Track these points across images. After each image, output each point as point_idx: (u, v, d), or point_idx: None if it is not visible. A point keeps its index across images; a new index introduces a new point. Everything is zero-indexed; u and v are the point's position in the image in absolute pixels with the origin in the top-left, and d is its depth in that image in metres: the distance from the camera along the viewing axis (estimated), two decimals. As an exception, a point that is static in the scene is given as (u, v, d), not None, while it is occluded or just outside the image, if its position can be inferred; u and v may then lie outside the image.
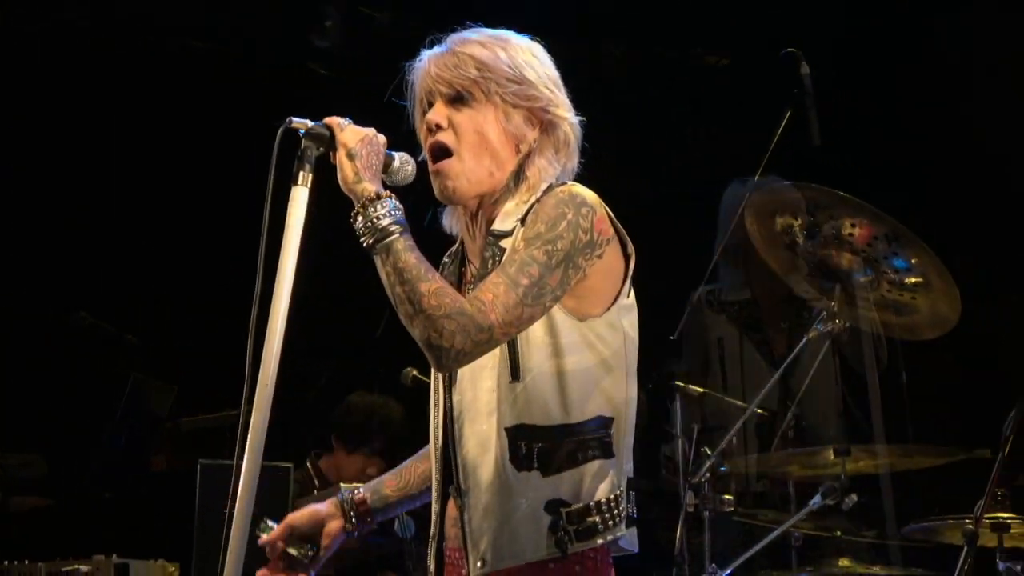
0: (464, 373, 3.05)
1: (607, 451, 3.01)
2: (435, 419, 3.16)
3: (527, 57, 3.12)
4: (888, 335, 4.52)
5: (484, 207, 3.12)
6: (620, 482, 3.03)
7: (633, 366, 3.09)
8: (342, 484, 5.14)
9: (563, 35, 3.37)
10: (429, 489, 3.26)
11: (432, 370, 3.15)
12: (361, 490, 3.36)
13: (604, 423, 3.02)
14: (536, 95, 3.09)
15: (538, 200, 3.02)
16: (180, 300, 7.12)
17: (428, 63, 3.13)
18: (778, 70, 4.99)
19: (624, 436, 3.06)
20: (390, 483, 3.39)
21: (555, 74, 3.17)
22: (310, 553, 3.23)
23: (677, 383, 5.17)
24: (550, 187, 3.05)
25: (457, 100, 3.08)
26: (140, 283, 7.05)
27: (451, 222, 3.24)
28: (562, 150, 3.13)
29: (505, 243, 3.02)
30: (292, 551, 3.22)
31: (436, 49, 3.15)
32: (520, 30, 3.16)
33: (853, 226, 4.22)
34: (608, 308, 3.04)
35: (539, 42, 3.19)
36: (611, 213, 3.05)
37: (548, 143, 3.12)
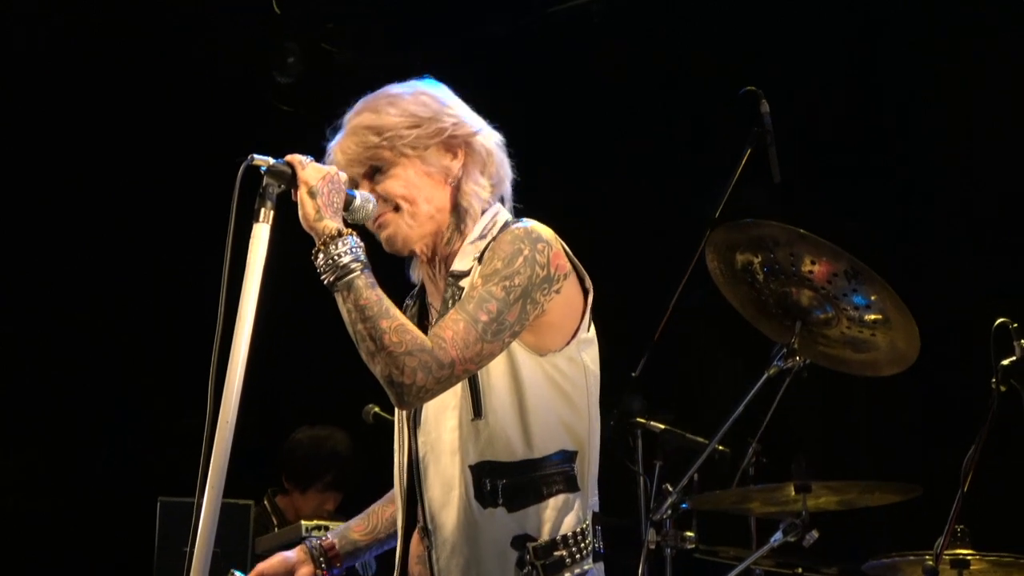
0: (428, 414, 3.08)
1: (572, 485, 3.04)
2: (400, 459, 3.18)
3: (418, 97, 3.17)
4: (847, 372, 4.55)
5: (439, 249, 3.17)
6: (586, 516, 3.06)
7: (595, 399, 3.12)
8: (303, 522, 5.14)
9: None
10: (393, 533, 3.28)
11: (395, 411, 3.17)
12: (329, 535, 3.39)
13: (568, 457, 3.05)
14: (439, 127, 3.13)
15: (494, 238, 3.06)
16: (142, 338, 7.10)
17: (335, 153, 3.18)
18: (738, 108, 5.03)
19: (588, 469, 3.08)
20: (358, 527, 3.42)
21: (451, 96, 3.22)
22: None
23: (638, 420, 5.19)
24: (506, 224, 3.10)
25: (374, 172, 3.13)
26: (101, 321, 7.02)
27: (415, 274, 3.28)
28: (488, 164, 3.18)
29: (464, 282, 3.06)
30: None
31: (337, 136, 3.21)
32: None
33: (813, 263, 4.24)
34: (568, 343, 3.07)
35: (426, 77, 3.24)
36: (568, 249, 3.09)
37: (472, 164, 3.16)
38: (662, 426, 5.22)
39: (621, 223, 6.68)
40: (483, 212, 3.15)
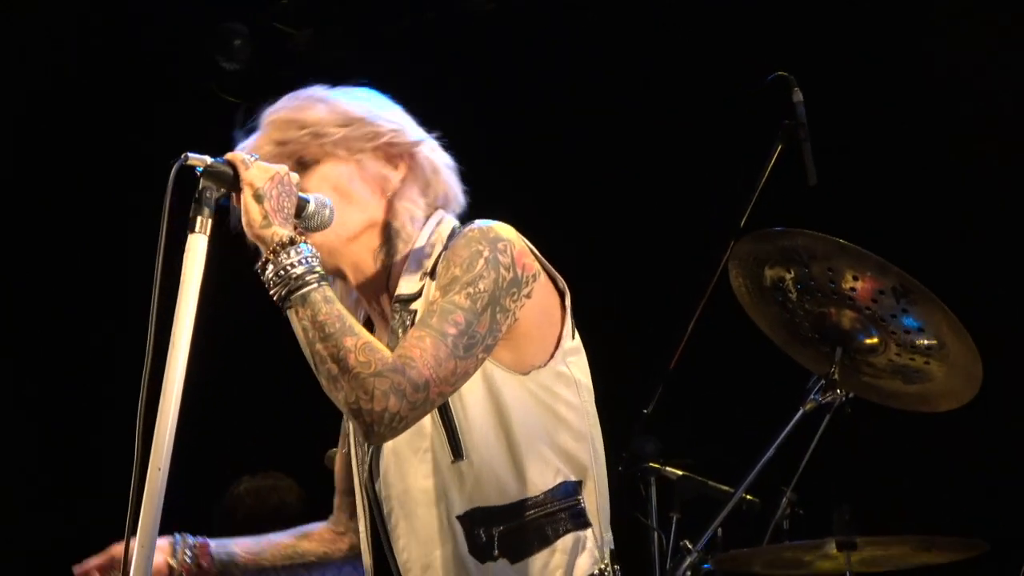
0: (389, 462, 3.07)
1: (581, 521, 3.04)
2: (363, 517, 3.16)
3: (351, 98, 3.20)
4: (897, 407, 4.55)
5: (374, 276, 3.17)
6: (603, 554, 3.05)
7: (593, 416, 3.12)
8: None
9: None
10: (285, 567, 3.29)
11: (354, 460, 3.16)
12: (208, 539, 3.38)
13: (572, 489, 3.05)
14: (375, 131, 3.16)
15: (446, 247, 3.06)
16: (62, 367, 7.11)
17: (254, 147, 3.18)
18: (767, 97, 5.05)
19: (598, 499, 3.08)
20: (243, 544, 3.43)
21: (390, 103, 3.25)
22: None
23: (651, 464, 5.20)
24: (453, 231, 3.11)
25: (300, 169, 3.12)
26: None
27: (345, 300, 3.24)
28: (433, 182, 3.20)
29: (415, 305, 3.06)
30: None
31: (249, 138, 3.22)
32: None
33: (855, 279, 4.25)
34: (552, 355, 3.07)
35: (364, 85, 3.27)
36: (533, 247, 3.08)
37: (412, 180, 3.18)
38: (679, 472, 5.22)
39: (629, 234, 6.69)
40: (419, 229, 3.16)
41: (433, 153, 3.22)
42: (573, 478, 3.05)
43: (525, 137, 6.50)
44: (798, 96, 4.99)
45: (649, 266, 6.54)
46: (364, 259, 3.16)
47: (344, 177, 3.13)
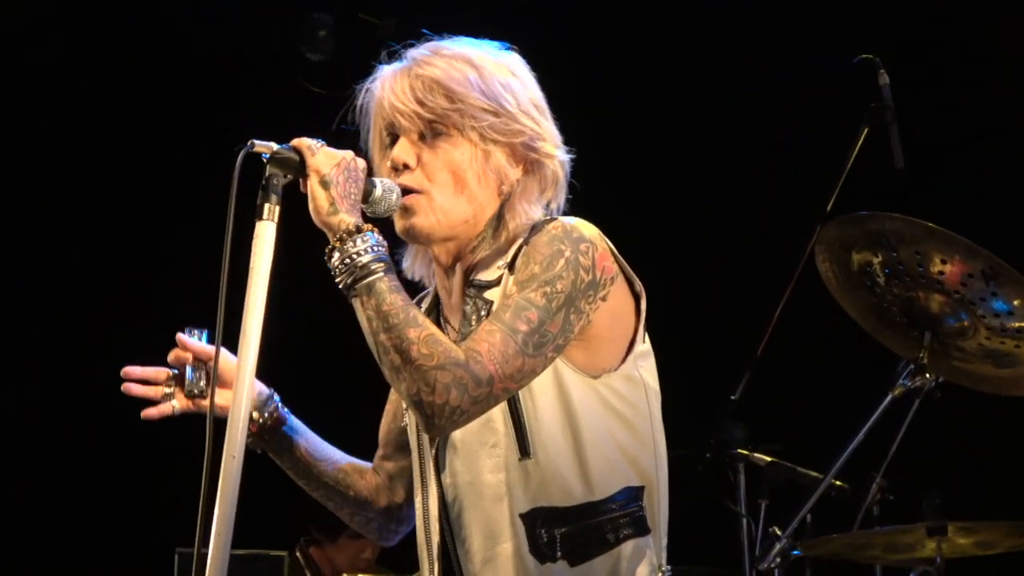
0: (456, 453, 3.04)
1: (642, 527, 3.02)
2: (423, 507, 3.15)
3: (504, 78, 3.09)
4: (988, 391, 4.52)
5: (462, 257, 3.11)
6: (660, 560, 3.04)
7: (659, 423, 3.08)
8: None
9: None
10: (327, 486, 3.30)
11: (412, 445, 3.16)
12: (289, 415, 3.34)
13: (634, 494, 3.02)
14: (518, 128, 3.07)
15: (527, 241, 3.01)
16: (126, 357, 7.17)
17: (386, 89, 3.09)
18: (852, 80, 5.02)
19: (659, 506, 3.05)
20: (309, 441, 3.36)
21: (539, 96, 3.15)
22: (202, 387, 3.25)
23: (740, 451, 5.19)
24: (535, 224, 3.05)
25: (426, 135, 3.06)
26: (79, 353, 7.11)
27: (413, 265, 3.22)
28: (548, 189, 3.12)
29: (490, 294, 3.02)
30: (193, 373, 3.24)
31: (393, 67, 3.12)
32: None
33: (943, 262, 4.23)
34: (623, 359, 3.04)
35: (517, 52, 3.17)
36: (614, 248, 3.04)
37: (533, 183, 3.10)
38: (768, 458, 5.21)
39: (713, 220, 6.67)
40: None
41: (559, 166, 3.13)
42: (636, 484, 3.01)
43: (605, 123, 6.49)
44: (884, 79, 4.95)
45: (736, 252, 6.53)
46: (454, 246, 3.11)
47: (466, 163, 3.05)
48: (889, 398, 4.37)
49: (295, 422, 3.36)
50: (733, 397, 5.05)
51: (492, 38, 3.20)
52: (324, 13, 7.04)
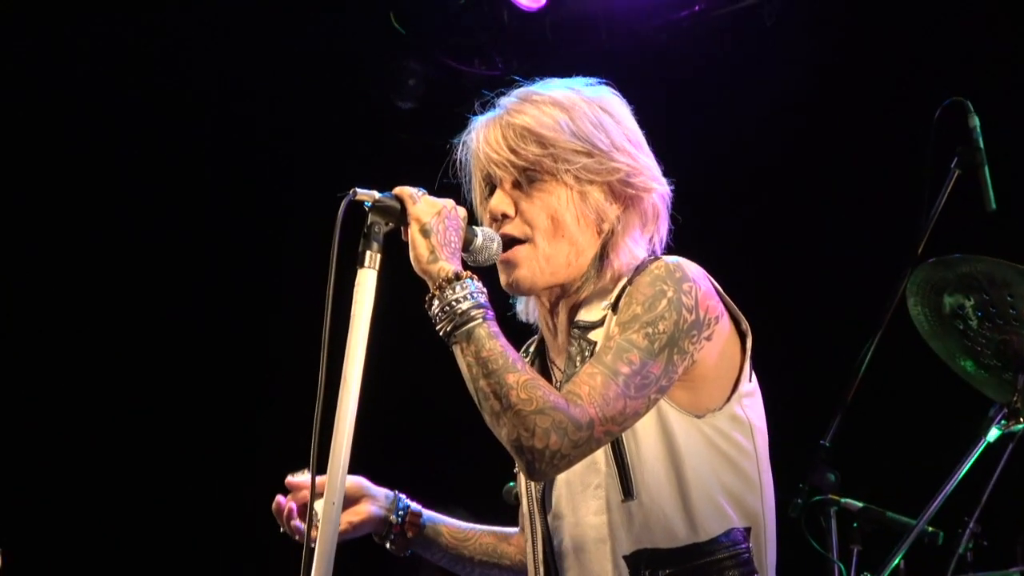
0: (562, 495, 3.05)
1: (748, 569, 2.99)
2: (532, 548, 3.15)
3: (596, 117, 3.10)
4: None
5: (566, 297, 3.12)
6: None
7: (766, 462, 3.07)
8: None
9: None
10: (481, 562, 3.28)
11: (522, 490, 3.16)
12: (421, 509, 3.38)
13: (741, 536, 3.00)
14: (613, 166, 3.08)
15: (630, 281, 3.01)
16: (236, 406, 7.23)
17: (481, 140, 3.12)
18: (942, 122, 4.99)
19: (767, 548, 3.03)
20: (452, 525, 3.40)
21: (633, 129, 3.15)
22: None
23: (831, 496, 5.15)
24: (640, 264, 3.05)
25: (522, 183, 3.08)
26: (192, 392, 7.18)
27: (527, 309, 3.24)
28: (650, 224, 3.12)
29: (594, 335, 3.02)
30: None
31: (486, 118, 3.14)
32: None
33: (1037, 305, 4.20)
34: (728, 399, 3.03)
35: (611, 86, 3.18)
36: (719, 286, 3.04)
37: (633, 219, 3.11)
38: (860, 504, 5.17)
39: (804, 263, 6.64)
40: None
41: (658, 198, 3.15)
42: (742, 525, 3.00)
43: (701, 170, 6.49)
44: (974, 121, 4.92)
45: (828, 295, 6.49)
46: (563, 287, 3.12)
47: (564, 206, 3.06)
48: (983, 442, 4.33)
49: (430, 513, 3.41)
50: (824, 442, 5.01)
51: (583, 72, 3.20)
52: (413, 61, 7.07)
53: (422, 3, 7.01)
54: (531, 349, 3.28)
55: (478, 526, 3.45)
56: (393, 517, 3.35)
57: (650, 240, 3.14)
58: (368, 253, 2.92)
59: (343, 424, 2.83)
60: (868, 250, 6.10)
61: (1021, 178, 5.74)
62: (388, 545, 3.38)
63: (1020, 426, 4.32)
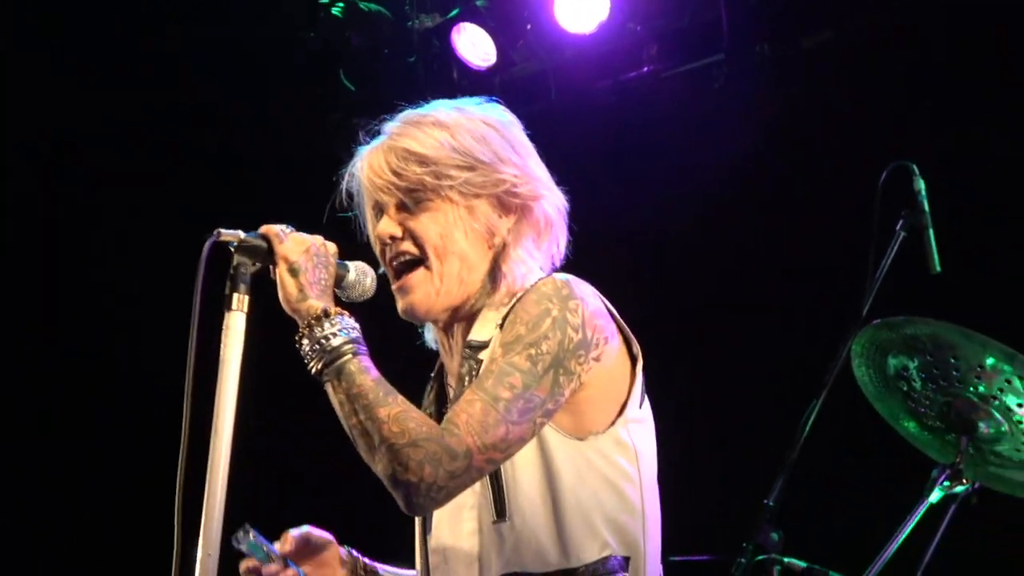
0: (443, 515, 3.01)
1: None
2: (419, 569, 3.13)
3: (478, 131, 3.08)
4: (1028, 498, 4.49)
5: (459, 317, 3.09)
6: None
7: (651, 491, 3.02)
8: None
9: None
10: None
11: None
12: (375, 563, 3.34)
13: (618, 565, 2.96)
14: (499, 177, 3.06)
15: (519, 299, 2.97)
16: (96, 456, 7.20)
17: (366, 167, 3.10)
18: (888, 185, 5.02)
19: None
20: (396, 573, 3.38)
21: (521, 140, 3.14)
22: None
23: (774, 556, 5.15)
24: (535, 282, 3.01)
25: (409, 205, 3.06)
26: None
27: (435, 336, 3.21)
28: (544, 232, 3.10)
29: (484, 354, 2.98)
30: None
31: (371, 145, 3.12)
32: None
33: (980, 367, 4.22)
34: (612, 422, 2.98)
35: (496, 104, 3.17)
36: (611, 306, 3.00)
37: (525, 229, 3.09)
38: (803, 564, 5.17)
39: (750, 323, 6.66)
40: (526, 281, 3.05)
41: (550, 206, 3.13)
42: (621, 554, 2.95)
43: (650, 226, 6.51)
44: (919, 184, 4.95)
45: (774, 355, 6.50)
46: (457, 305, 3.09)
47: (451, 223, 3.04)
48: (925, 503, 4.34)
49: (379, 565, 3.38)
50: (769, 502, 5.02)
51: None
52: (362, 118, 7.09)
53: (372, 61, 7.02)
54: (433, 375, 3.24)
55: (409, 571, 3.42)
56: None
57: (547, 249, 3.11)
58: (235, 295, 2.89)
59: (216, 474, 2.79)
60: (814, 311, 6.13)
61: (966, 241, 5.79)
62: None
63: (963, 487, 4.34)
